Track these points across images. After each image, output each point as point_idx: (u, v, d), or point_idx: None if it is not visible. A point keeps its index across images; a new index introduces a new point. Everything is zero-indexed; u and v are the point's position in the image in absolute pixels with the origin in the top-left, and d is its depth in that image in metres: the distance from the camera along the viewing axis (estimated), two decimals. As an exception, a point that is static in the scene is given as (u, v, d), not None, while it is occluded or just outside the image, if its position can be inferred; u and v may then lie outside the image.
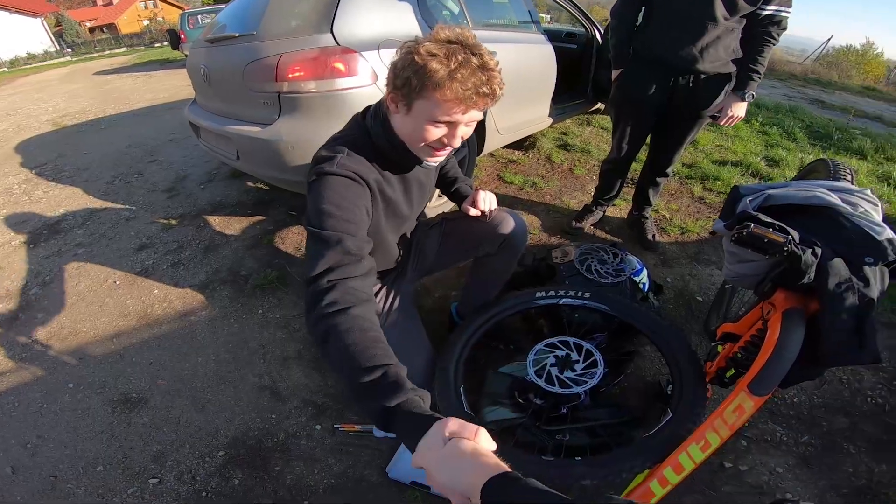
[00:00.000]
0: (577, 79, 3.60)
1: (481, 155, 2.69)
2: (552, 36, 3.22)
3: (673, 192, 2.96)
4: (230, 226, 2.55)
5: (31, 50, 25.83)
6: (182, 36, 10.34)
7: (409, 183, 1.23)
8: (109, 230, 2.64)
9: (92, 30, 40.83)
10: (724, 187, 2.98)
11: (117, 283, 2.20)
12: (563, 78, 3.08)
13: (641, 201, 2.41)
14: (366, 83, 1.90)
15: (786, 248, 0.95)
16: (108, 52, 24.24)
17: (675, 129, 2.04)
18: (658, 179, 2.26)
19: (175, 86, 7.72)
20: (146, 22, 40.20)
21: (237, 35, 2.09)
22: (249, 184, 3.02)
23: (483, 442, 0.61)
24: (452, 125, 1.01)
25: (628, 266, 1.75)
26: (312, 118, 1.90)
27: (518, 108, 2.74)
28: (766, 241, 0.94)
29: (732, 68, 1.82)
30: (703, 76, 1.84)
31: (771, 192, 1.10)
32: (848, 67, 14.34)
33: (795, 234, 0.97)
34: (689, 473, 1.07)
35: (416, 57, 0.92)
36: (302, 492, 1.33)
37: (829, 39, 16.00)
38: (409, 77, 0.94)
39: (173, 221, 2.66)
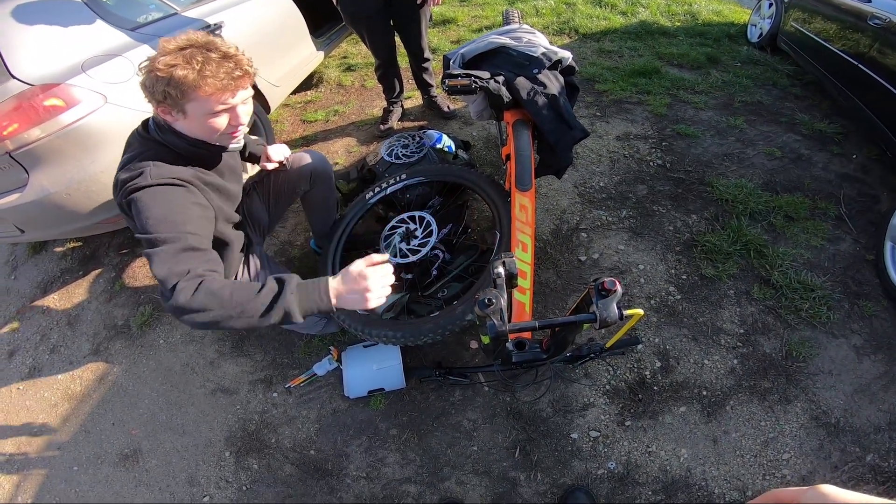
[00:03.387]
0: (330, 5, 3.65)
1: (272, 112, 2.78)
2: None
3: (449, 67, 3.39)
4: (74, 294, 2.42)
5: None
6: None
7: (222, 170, 1.34)
8: (-37, 360, 2.33)
9: None
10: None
11: (20, 388, 2.10)
12: (315, 9, 3.13)
13: (424, 86, 2.78)
14: (98, 105, 1.82)
15: (474, 85, 1.35)
16: None
17: (407, 23, 2.35)
18: (424, 65, 2.62)
19: None
20: None
21: None
22: (58, 249, 2.77)
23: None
24: (230, 110, 1.12)
25: (427, 140, 2.08)
26: (67, 158, 1.82)
27: (279, 58, 2.77)
28: (459, 87, 1.34)
29: None
30: None
31: (463, 50, 1.50)
32: None
33: (484, 74, 1.39)
34: (534, 273, 1.29)
35: (158, 73, 1.01)
36: (303, 445, 1.63)
37: None
38: (165, 90, 1.03)
39: (15, 323, 2.44)
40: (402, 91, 2.79)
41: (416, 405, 1.64)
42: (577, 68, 1.54)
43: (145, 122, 1.23)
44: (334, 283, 0.98)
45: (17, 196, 1.83)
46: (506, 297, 0.98)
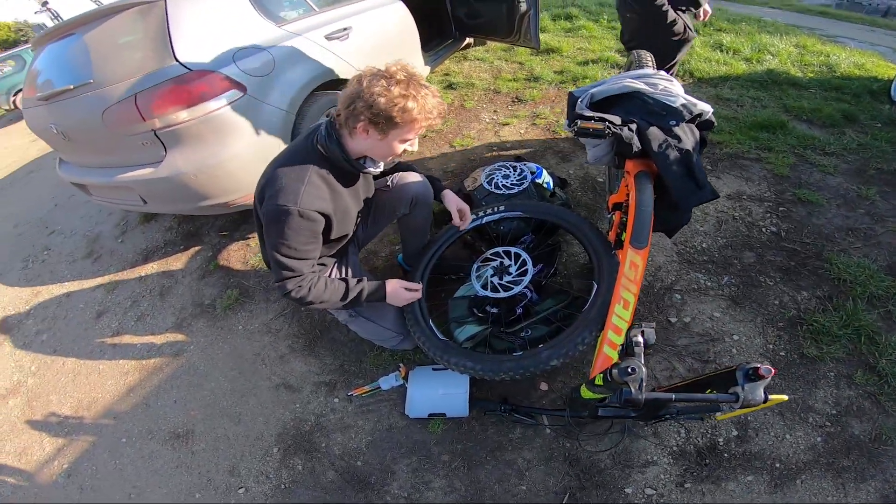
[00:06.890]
0: (440, 22, 3.72)
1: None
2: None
3: (553, 98, 3.32)
4: (171, 265, 2.59)
5: None
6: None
7: (357, 190, 1.45)
8: (58, 311, 2.58)
9: None
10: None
11: (99, 350, 2.24)
12: (425, 25, 3.18)
13: None
14: (238, 96, 1.93)
15: (607, 131, 1.28)
16: None
17: None
18: None
19: (17, 146, 6.76)
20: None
21: (73, 87, 1.98)
22: (166, 222, 3.00)
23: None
24: (413, 140, 1.29)
25: (528, 172, 2.03)
26: (203, 143, 1.92)
27: None
28: (591, 130, 1.27)
29: None
30: None
31: (594, 90, 1.43)
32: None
33: (616, 119, 1.31)
34: (628, 330, 1.18)
35: (392, 100, 1.13)
36: (351, 455, 1.60)
37: None
38: (392, 116, 1.16)
39: (113, 281, 2.65)
40: None
41: (473, 436, 1.59)
42: (715, 123, 1.42)
43: (315, 129, 1.33)
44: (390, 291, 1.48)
45: (151, 171, 1.97)
46: (643, 366, 0.97)
